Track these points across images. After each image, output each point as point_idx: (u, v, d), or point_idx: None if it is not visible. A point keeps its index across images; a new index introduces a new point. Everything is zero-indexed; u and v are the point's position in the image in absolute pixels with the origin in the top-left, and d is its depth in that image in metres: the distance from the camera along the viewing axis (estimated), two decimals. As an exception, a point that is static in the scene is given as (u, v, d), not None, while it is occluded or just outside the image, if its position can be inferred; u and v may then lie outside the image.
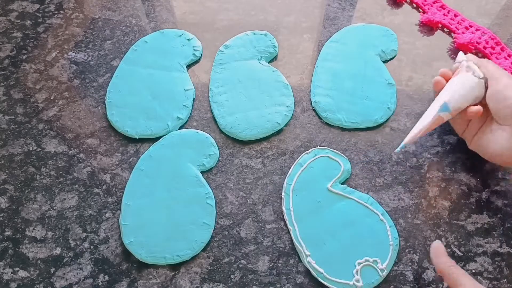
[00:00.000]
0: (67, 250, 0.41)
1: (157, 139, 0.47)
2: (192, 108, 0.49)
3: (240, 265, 0.40)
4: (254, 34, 0.54)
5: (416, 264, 0.40)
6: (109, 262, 0.41)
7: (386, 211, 0.42)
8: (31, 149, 0.47)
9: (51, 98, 0.51)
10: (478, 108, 0.40)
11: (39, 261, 0.41)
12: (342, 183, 0.44)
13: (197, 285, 0.39)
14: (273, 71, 0.51)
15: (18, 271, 0.40)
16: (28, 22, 0.57)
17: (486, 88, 0.41)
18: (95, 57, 0.54)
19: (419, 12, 0.57)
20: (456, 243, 0.41)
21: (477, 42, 0.53)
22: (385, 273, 0.39)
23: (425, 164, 0.45)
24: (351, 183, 0.44)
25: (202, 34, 0.55)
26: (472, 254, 0.40)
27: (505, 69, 0.50)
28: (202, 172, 0.45)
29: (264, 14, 0.57)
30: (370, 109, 0.48)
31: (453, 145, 0.46)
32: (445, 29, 0.55)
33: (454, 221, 0.42)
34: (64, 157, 0.47)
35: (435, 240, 0.41)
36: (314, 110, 0.49)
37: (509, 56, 0.52)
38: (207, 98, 0.50)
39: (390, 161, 0.46)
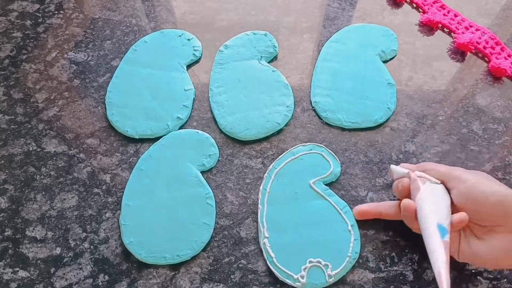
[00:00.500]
0: (67, 250, 0.41)
1: (157, 139, 0.47)
2: (192, 108, 0.49)
3: (240, 265, 0.40)
4: (254, 34, 0.54)
5: (416, 264, 0.40)
6: (109, 262, 0.41)
7: (356, 221, 0.41)
8: (31, 149, 0.47)
9: (51, 98, 0.51)
10: (464, 215, 0.35)
11: (39, 261, 0.41)
12: (327, 185, 0.44)
13: (197, 285, 0.39)
14: (273, 71, 0.51)
15: (18, 271, 0.40)
16: (28, 22, 0.58)
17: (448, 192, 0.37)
18: (95, 57, 0.54)
19: (419, 12, 0.57)
20: (456, 243, 0.41)
21: (477, 42, 0.53)
22: (332, 280, 0.38)
23: (425, 164, 0.45)
24: (351, 183, 0.44)
25: (202, 34, 0.55)
26: (472, 254, 0.40)
27: (505, 69, 0.50)
28: (202, 172, 0.45)
29: (264, 14, 0.57)
30: (370, 109, 0.48)
31: (453, 145, 0.46)
32: (445, 29, 0.55)
33: (454, 221, 0.42)
34: (64, 157, 0.47)
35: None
36: (314, 110, 0.49)
37: (509, 56, 0.52)
38: (207, 98, 0.50)
39: (390, 161, 0.46)
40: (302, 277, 0.38)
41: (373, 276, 0.39)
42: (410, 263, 0.40)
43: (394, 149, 0.46)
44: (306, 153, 0.45)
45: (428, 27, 0.56)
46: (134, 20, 0.57)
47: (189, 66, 0.53)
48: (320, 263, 0.39)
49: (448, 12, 0.56)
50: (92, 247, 0.41)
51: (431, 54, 0.53)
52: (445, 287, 0.32)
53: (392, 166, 0.41)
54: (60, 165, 0.46)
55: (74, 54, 0.54)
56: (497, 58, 0.52)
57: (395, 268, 0.40)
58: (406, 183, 0.38)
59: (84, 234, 0.42)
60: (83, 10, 0.59)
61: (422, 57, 0.53)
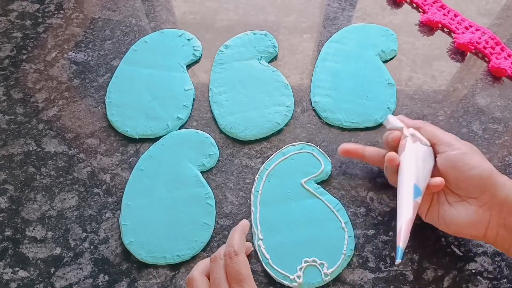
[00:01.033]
0: (67, 250, 0.41)
1: (157, 139, 0.47)
2: (192, 108, 0.49)
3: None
4: (254, 34, 0.54)
5: (416, 264, 0.40)
6: (109, 262, 0.41)
7: (354, 219, 0.41)
8: (31, 149, 0.47)
9: (51, 98, 0.51)
10: (441, 180, 0.36)
11: (39, 261, 0.41)
12: (318, 184, 0.44)
13: (197, 285, 0.39)
14: (273, 71, 0.51)
15: (18, 271, 0.40)
16: (28, 22, 0.57)
17: (435, 155, 0.38)
18: (95, 57, 0.54)
19: (419, 12, 0.57)
20: (456, 243, 0.41)
21: (477, 42, 0.53)
22: (328, 279, 0.38)
23: (425, 164, 0.45)
24: (351, 183, 0.44)
25: (202, 34, 0.55)
26: (472, 254, 0.40)
27: (505, 69, 0.50)
28: (202, 172, 0.45)
29: (264, 14, 0.57)
30: (370, 109, 0.48)
31: (453, 145, 0.46)
32: (445, 29, 0.55)
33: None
34: (64, 157, 0.47)
35: (434, 240, 0.41)
36: (314, 110, 0.49)
37: (509, 56, 0.52)
38: (207, 98, 0.50)
39: (390, 161, 0.46)
40: (299, 277, 0.38)
41: (373, 276, 0.39)
42: (410, 263, 0.40)
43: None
44: (296, 153, 0.45)
45: (428, 27, 0.56)
46: (134, 20, 0.57)
47: (189, 66, 0.53)
48: (316, 262, 0.39)
49: (448, 12, 0.56)
50: (92, 247, 0.41)
51: (431, 54, 0.53)
52: (401, 245, 0.34)
53: (389, 116, 0.41)
54: (60, 165, 0.46)
55: (74, 54, 0.54)
56: (497, 58, 0.52)
57: (395, 268, 0.40)
58: (397, 136, 0.39)
59: (84, 234, 0.42)
60: (83, 10, 0.59)
61: (422, 57, 0.53)
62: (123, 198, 0.43)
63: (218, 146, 0.47)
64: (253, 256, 0.40)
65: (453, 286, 0.39)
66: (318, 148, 0.46)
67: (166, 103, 0.49)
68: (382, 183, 0.44)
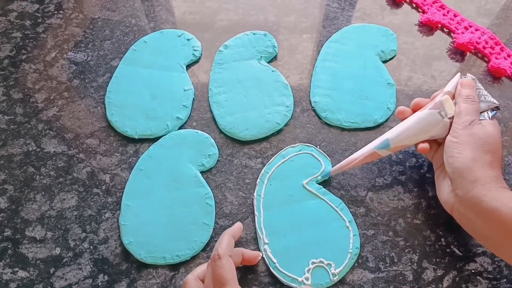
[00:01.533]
0: (67, 250, 0.41)
1: (156, 139, 0.47)
2: (191, 108, 0.49)
3: (240, 265, 0.40)
4: (254, 34, 0.54)
5: (415, 264, 0.40)
6: (108, 262, 0.41)
7: (354, 219, 0.42)
8: (30, 149, 0.47)
9: (51, 98, 0.51)
10: (424, 146, 0.40)
11: (38, 261, 0.41)
12: (319, 184, 0.44)
13: (197, 285, 0.39)
14: (272, 71, 0.51)
15: (17, 271, 0.40)
16: (28, 22, 0.57)
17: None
18: (95, 57, 0.54)
19: (419, 12, 0.57)
20: (455, 243, 0.41)
21: (477, 42, 0.53)
22: (336, 278, 0.39)
23: (425, 164, 0.45)
24: (350, 183, 0.44)
25: (202, 34, 0.55)
26: (471, 254, 0.40)
27: (504, 69, 0.50)
28: (202, 172, 0.45)
29: (263, 14, 0.57)
30: (369, 109, 0.48)
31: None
32: (445, 29, 0.55)
33: (454, 221, 0.42)
34: (64, 157, 0.47)
35: (434, 240, 0.41)
36: (314, 110, 0.49)
37: (508, 56, 0.52)
38: (207, 98, 0.50)
39: (389, 161, 0.46)
40: (307, 279, 0.38)
41: (373, 276, 0.39)
42: (409, 263, 0.40)
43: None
44: (296, 154, 0.45)
45: (427, 27, 0.56)
46: (133, 20, 0.57)
47: (188, 66, 0.53)
48: (323, 262, 0.39)
49: (448, 12, 0.56)
50: (91, 247, 0.41)
51: (430, 54, 0.53)
52: (331, 169, 0.43)
53: (459, 77, 0.41)
54: (59, 165, 0.46)
55: (73, 54, 0.54)
56: (496, 58, 0.52)
57: (395, 268, 0.40)
58: (420, 102, 0.42)
59: (84, 234, 0.42)
60: (83, 10, 0.59)
61: (422, 57, 0.53)
62: (123, 198, 0.43)
63: (217, 146, 0.47)
64: (259, 264, 0.40)
65: (453, 286, 0.39)
66: (317, 148, 0.46)
67: (166, 103, 0.49)
68: (382, 183, 0.44)
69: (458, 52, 0.53)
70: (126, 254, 0.41)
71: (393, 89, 0.50)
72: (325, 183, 0.44)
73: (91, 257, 0.41)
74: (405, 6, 0.58)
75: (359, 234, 0.41)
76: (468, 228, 0.38)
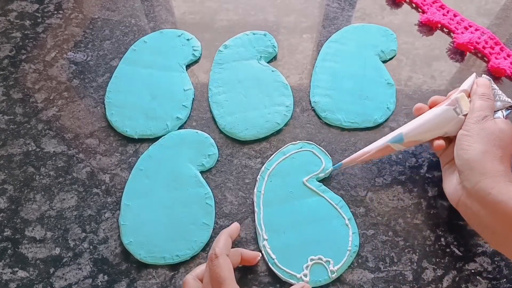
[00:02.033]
0: (67, 250, 0.41)
1: (156, 139, 0.47)
2: (191, 108, 0.49)
3: (240, 265, 0.40)
4: (254, 34, 0.54)
5: (415, 264, 0.40)
6: (108, 262, 0.41)
7: (354, 219, 0.42)
8: (30, 149, 0.47)
9: (50, 98, 0.51)
10: (440, 143, 0.40)
11: (38, 261, 0.41)
12: (320, 181, 0.44)
13: (197, 285, 0.39)
14: (272, 71, 0.51)
15: (17, 271, 0.40)
16: (28, 22, 0.57)
17: None
18: (95, 57, 0.54)
19: (419, 12, 0.57)
20: (455, 243, 0.41)
21: (477, 42, 0.53)
22: (334, 276, 0.39)
23: (425, 164, 0.45)
24: (350, 183, 0.44)
25: (202, 34, 0.55)
26: (471, 254, 0.40)
27: (504, 69, 0.50)
28: (202, 172, 0.45)
29: (263, 14, 0.57)
30: (369, 109, 0.48)
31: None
32: (445, 29, 0.55)
33: (454, 221, 0.42)
34: (64, 157, 0.47)
35: (434, 239, 0.41)
36: (314, 110, 0.49)
37: (508, 56, 0.52)
38: (207, 98, 0.50)
39: (389, 161, 0.46)
40: (305, 275, 0.39)
41: (373, 276, 0.39)
42: (409, 263, 0.40)
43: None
44: (296, 152, 0.45)
45: (427, 27, 0.56)
46: (133, 20, 0.57)
47: (188, 66, 0.53)
48: (322, 259, 0.39)
49: (448, 12, 0.56)
50: (91, 247, 0.41)
51: (430, 54, 0.53)
52: (344, 161, 0.43)
53: (473, 75, 0.42)
54: (59, 165, 0.46)
55: (73, 54, 0.54)
56: (496, 58, 0.52)
57: (395, 268, 0.40)
58: (437, 100, 0.42)
59: (84, 234, 0.42)
60: (83, 10, 0.59)
61: (422, 57, 0.53)
62: (123, 198, 0.43)
63: (217, 146, 0.47)
64: (259, 264, 0.40)
65: (453, 286, 0.39)
66: (318, 146, 0.46)
67: (166, 103, 0.49)
68: (382, 183, 0.44)
69: (458, 52, 0.53)
70: (126, 254, 0.41)
71: (393, 89, 0.50)
72: (325, 181, 0.44)
73: (91, 257, 0.41)
74: (405, 6, 0.58)
75: (359, 234, 0.41)
76: (473, 222, 0.37)
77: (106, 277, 0.40)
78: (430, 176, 0.45)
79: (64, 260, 0.41)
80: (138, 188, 0.44)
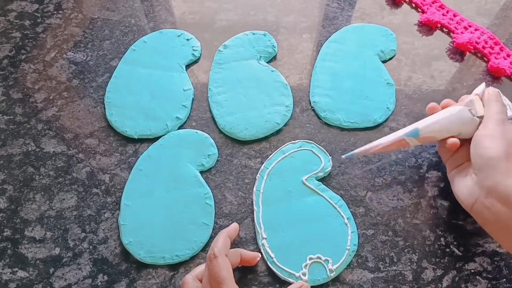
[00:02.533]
0: (66, 250, 0.41)
1: (156, 139, 0.47)
2: (191, 108, 0.49)
3: (239, 266, 0.40)
4: (253, 34, 0.54)
5: (415, 264, 0.40)
6: (108, 262, 0.41)
7: (354, 219, 0.42)
8: (30, 149, 0.47)
9: (50, 98, 0.51)
10: (455, 140, 0.39)
11: (38, 261, 0.41)
12: (319, 180, 0.44)
13: (196, 285, 0.39)
14: (272, 71, 0.51)
15: (17, 271, 0.40)
16: (27, 22, 0.57)
17: None
18: (94, 57, 0.54)
19: (418, 12, 0.57)
20: (455, 243, 0.41)
21: (476, 42, 0.53)
22: (333, 274, 0.39)
23: (424, 164, 0.45)
24: (350, 183, 0.44)
25: (201, 34, 0.55)
26: (471, 254, 0.40)
27: (504, 69, 0.50)
28: (201, 172, 0.45)
29: (263, 14, 0.57)
30: (369, 109, 0.48)
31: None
32: (444, 29, 0.55)
33: (453, 221, 0.42)
34: (63, 157, 0.47)
35: (433, 239, 0.41)
36: (313, 110, 0.49)
37: (508, 56, 0.52)
38: (206, 98, 0.50)
39: (389, 161, 0.46)
40: (304, 274, 0.39)
41: (372, 276, 0.39)
42: (409, 263, 0.40)
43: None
44: (296, 151, 0.45)
45: (427, 27, 0.56)
46: (133, 20, 0.57)
47: (188, 66, 0.53)
48: (320, 258, 0.39)
49: (447, 12, 0.56)
50: (91, 247, 0.41)
51: (430, 54, 0.53)
52: (356, 150, 0.42)
53: (484, 84, 0.42)
54: (59, 165, 0.46)
55: (73, 54, 0.54)
56: (496, 58, 0.52)
57: (394, 268, 0.40)
58: (449, 103, 0.42)
59: (83, 234, 0.42)
60: (82, 10, 0.59)
61: (421, 57, 0.53)
62: (122, 198, 0.43)
63: (217, 146, 0.47)
64: (258, 264, 0.40)
65: (452, 286, 0.39)
66: (317, 145, 0.46)
67: (165, 103, 0.49)
68: (382, 183, 0.44)
69: (458, 52, 0.53)
70: (125, 254, 0.41)
71: (392, 89, 0.50)
72: (325, 180, 0.44)
73: (91, 257, 0.41)
74: (405, 6, 0.58)
75: (359, 234, 0.41)
76: (491, 224, 0.36)
77: (105, 277, 0.40)
78: (429, 176, 0.45)
79: (63, 260, 0.41)
80: (138, 188, 0.44)
